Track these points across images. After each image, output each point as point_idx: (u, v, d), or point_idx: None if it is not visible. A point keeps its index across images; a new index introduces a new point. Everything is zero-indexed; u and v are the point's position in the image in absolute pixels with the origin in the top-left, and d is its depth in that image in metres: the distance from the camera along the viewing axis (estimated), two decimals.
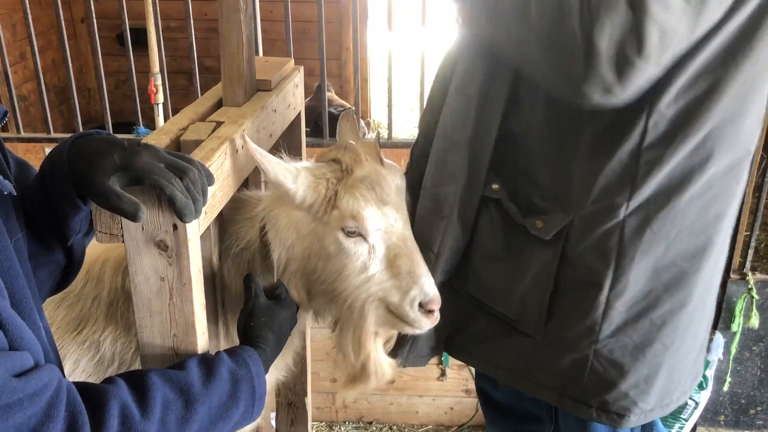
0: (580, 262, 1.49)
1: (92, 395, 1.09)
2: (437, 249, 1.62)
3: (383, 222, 1.49)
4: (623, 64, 1.21)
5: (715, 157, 1.40)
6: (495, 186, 1.57)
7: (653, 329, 1.52)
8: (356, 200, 1.47)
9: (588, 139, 1.42)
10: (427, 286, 1.50)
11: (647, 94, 1.32)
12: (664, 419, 2.35)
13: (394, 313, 1.52)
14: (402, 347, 1.73)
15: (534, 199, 1.54)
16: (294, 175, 1.46)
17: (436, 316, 1.52)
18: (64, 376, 1.27)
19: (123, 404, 1.10)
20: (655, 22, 1.17)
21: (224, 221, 1.60)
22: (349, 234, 1.47)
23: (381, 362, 1.60)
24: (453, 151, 1.57)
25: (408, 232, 1.54)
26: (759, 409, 2.94)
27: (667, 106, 1.34)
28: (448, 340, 1.76)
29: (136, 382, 1.16)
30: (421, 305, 1.50)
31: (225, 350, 1.33)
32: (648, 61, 1.21)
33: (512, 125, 1.52)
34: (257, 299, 1.48)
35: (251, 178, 1.67)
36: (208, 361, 1.27)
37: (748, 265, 2.77)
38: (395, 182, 1.53)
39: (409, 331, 1.56)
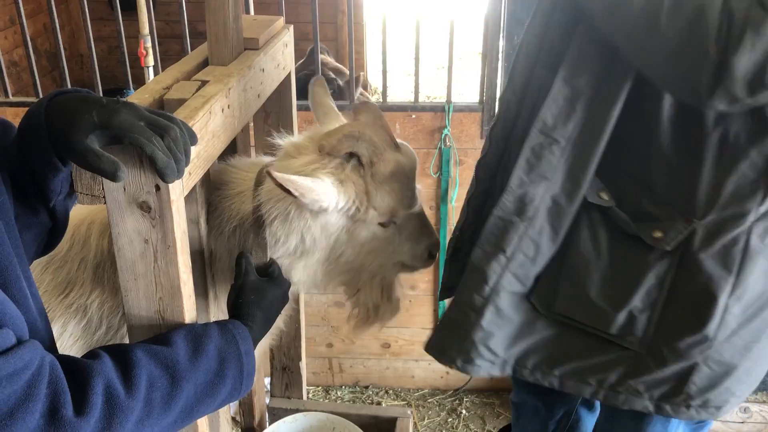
0: (699, 271, 1.40)
1: (76, 372, 1.06)
2: (510, 252, 1.50)
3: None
4: (759, 87, 1.14)
5: None
6: (603, 194, 1.45)
7: (763, 326, 1.47)
8: (391, 198, 1.55)
9: (717, 141, 1.33)
10: (434, 238, 1.70)
11: None
12: None
13: (407, 267, 1.73)
14: (452, 345, 1.62)
15: (644, 206, 1.43)
16: (325, 189, 1.45)
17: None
18: (54, 341, 1.25)
19: (107, 382, 1.07)
20: None
21: (213, 196, 1.57)
22: (384, 225, 1.58)
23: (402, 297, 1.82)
24: (550, 149, 1.43)
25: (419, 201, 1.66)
26: None
27: None
28: (518, 362, 1.63)
29: (121, 357, 1.13)
30: (429, 254, 1.71)
31: (214, 323, 1.31)
32: None
33: (627, 125, 1.40)
34: (247, 276, 1.45)
35: (239, 140, 1.64)
36: (195, 336, 1.24)
37: None
38: (414, 167, 1.61)
39: (417, 270, 1.78)
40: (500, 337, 1.58)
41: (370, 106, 1.64)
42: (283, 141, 1.60)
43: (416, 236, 1.66)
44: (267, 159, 1.68)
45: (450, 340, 1.62)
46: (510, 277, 1.52)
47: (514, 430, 2.30)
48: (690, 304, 1.44)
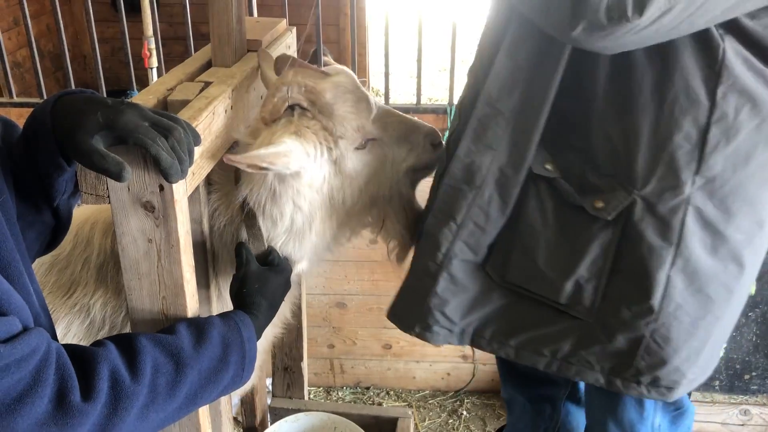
0: (641, 241, 1.43)
1: (82, 358, 1.08)
2: (460, 220, 1.53)
3: (376, 116, 1.55)
4: (614, 11, 1.18)
5: None
6: (549, 165, 1.49)
7: (709, 303, 1.49)
8: (349, 119, 1.49)
9: (654, 114, 1.37)
10: (426, 128, 1.63)
11: (712, 66, 1.29)
12: None
13: (420, 170, 1.66)
14: (409, 312, 1.64)
15: (588, 177, 1.47)
16: (288, 148, 1.43)
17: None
18: (56, 338, 1.27)
19: (113, 367, 1.09)
20: None
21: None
22: (361, 147, 1.52)
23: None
24: (495, 120, 1.47)
25: (385, 106, 1.60)
26: (754, 374, 2.95)
27: (735, 78, 1.30)
28: (476, 332, 1.65)
29: (126, 345, 1.15)
30: (432, 145, 1.63)
31: (217, 314, 1.33)
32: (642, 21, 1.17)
33: (568, 100, 1.44)
34: (249, 265, 1.46)
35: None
36: (198, 325, 1.26)
37: None
38: (354, 80, 1.55)
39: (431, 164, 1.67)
40: (456, 305, 1.60)
41: (282, 57, 1.60)
42: (238, 135, 1.60)
43: (404, 135, 1.60)
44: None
45: (408, 307, 1.65)
46: (461, 245, 1.55)
47: (508, 427, 2.31)
48: (634, 275, 1.46)
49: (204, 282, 1.56)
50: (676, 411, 1.82)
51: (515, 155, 1.48)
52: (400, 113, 1.63)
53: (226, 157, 1.38)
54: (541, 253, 1.52)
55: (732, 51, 1.30)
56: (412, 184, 1.68)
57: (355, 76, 1.58)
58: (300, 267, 1.62)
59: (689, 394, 2.55)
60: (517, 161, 1.48)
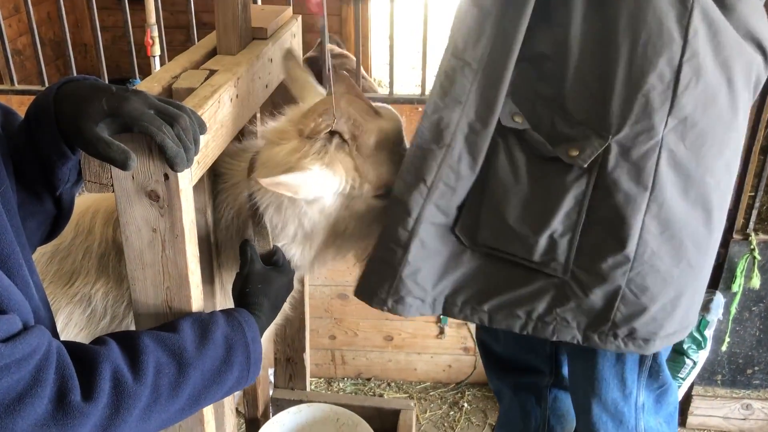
0: (616, 189, 1.42)
1: (83, 358, 1.06)
2: (430, 182, 1.48)
3: None
4: None
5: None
6: (517, 117, 1.44)
7: (682, 249, 1.48)
8: (383, 169, 1.49)
9: (627, 54, 1.34)
10: None
11: (685, 2, 1.28)
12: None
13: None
14: (381, 286, 1.59)
15: (558, 126, 1.43)
16: (315, 180, 1.42)
17: None
18: (56, 330, 1.25)
19: (115, 367, 1.07)
20: None
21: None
22: (379, 196, 1.51)
23: None
24: (462, 71, 1.42)
25: None
26: (756, 368, 2.94)
27: (704, 12, 1.30)
28: (447, 299, 1.62)
29: (128, 344, 1.13)
30: None
31: (221, 311, 1.31)
32: None
33: (537, 46, 1.40)
34: (253, 265, 1.45)
35: (246, 128, 1.63)
36: (202, 323, 1.24)
37: (751, 225, 2.74)
38: (400, 129, 1.53)
39: None
40: (427, 272, 1.55)
41: (341, 76, 1.57)
42: (264, 128, 1.57)
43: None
44: (256, 144, 1.62)
45: (379, 281, 1.59)
46: (432, 208, 1.50)
47: (500, 418, 2.31)
48: (608, 224, 1.44)
49: (208, 276, 1.55)
50: (660, 389, 1.81)
51: (484, 108, 1.43)
52: None
53: (254, 178, 1.38)
54: (512, 210, 1.48)
55: None
56: None
57: (402, 122, 1.57)
58: (301, 272, 1.61)
59: (673, 375, 2.56)
60: (486, 115, 1.43)
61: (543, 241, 1.47)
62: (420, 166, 1.47)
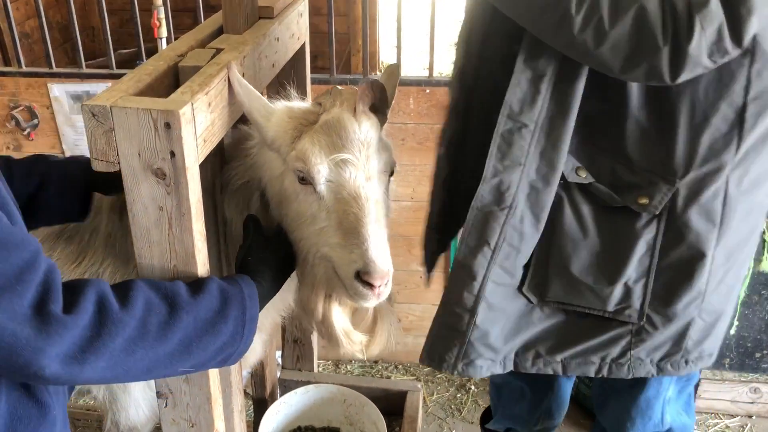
0: (687, 230, 1.43)
1: (70, 284, 1.08)
2: (494, 244, 1.46)
3: (333, 172, 1.36)
4: (718, 54, 1.19)
5: None
6: (581, 171, 1.45)
7: (735, 267, 1.51)
8: (310, 144, 1.36)
9: (688, 102, 1.34)
10: (372, 253, 1.31)
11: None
12: None
13: (339, 278, 1.39)
14: (449, 350, 1.58)
15: (620, 174, 1.43)
16: (268, 113, 1.40)
17: (380, 293, 1.35)
18: None
19: (101, 293, 1.09)
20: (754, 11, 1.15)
21: (226, 154, 1.57)
22: (302, 181, 1.38)
23: (349, 333, 1.56)
24: (519, 133, 1.40)
25: (369, 191, 1.36)
26: (765, 352, 2.93)
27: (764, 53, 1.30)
28: (518, 356, 1.61)
29: (122, 283, 1.16)
30: (359, 274, 1.33)
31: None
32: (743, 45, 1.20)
33: (595, 104, 1.39)
34: (256, 236, 1.44)
35: None
36: (198, 280, 1.25)
37: None
38: (357, 133, 1.36)
39: (355, 303, 1.44)
40: (497, 334, 1.56)
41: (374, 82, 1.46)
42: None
43: (345, 233, 1.35)
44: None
45: (446, 346, 1.58)
46: (497, 270, 1.49)
47: (498, 411, 2.29)
48: (681, 264, 1.46)
49: (215, 252, 1.55)
50: (687, 381, 1.82)
51: (545, 167, 1.43)
52: (368, 218, 1.36)
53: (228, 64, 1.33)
54: (582, 263, 1.48)
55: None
56: (328, 282, 1.47)
57: (376, 135, 1.41)
58: None
59: None
60: (548, 173, 1.43)
61: (617, 291, 1.48)
62: (482, 229, 1.46)
